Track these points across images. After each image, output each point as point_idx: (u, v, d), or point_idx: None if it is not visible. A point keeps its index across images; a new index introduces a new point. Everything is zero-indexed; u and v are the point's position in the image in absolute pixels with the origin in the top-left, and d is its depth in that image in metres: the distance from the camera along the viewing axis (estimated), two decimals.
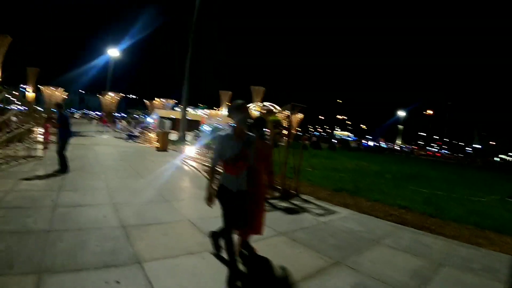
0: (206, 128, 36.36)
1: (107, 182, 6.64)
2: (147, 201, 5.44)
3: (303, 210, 6.00)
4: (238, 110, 2.80)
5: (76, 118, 54.19)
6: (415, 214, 6.74)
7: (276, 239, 4.18)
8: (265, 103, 56.97)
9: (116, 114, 53.36)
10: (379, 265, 3.66)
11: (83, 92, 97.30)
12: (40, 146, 10.19)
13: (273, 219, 5.04)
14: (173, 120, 28.84)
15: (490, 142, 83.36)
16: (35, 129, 11.74)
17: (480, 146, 79.81)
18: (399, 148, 69.57)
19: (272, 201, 6.37)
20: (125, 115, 52.78)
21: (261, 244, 3.74)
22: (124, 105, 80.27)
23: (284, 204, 6.23)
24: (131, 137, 19.50)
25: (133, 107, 57.63)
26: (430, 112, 78.35)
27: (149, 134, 19.38)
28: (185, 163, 11.47)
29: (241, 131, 2.85)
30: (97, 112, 51.91)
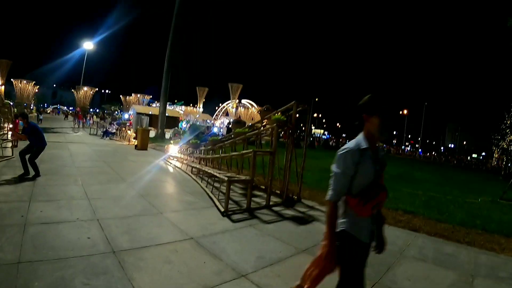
0: (184, 125, 35.33)
1: (86, 189, 5.77)
2: (137, 213, 4.67)
3: (312, 218, 5.46)
4: (380, 108, 1.80)
5: (47, 113, 51.18)
6: (422, 219, 6.41)
7: (301, 258, 3.55)
8: (242, 100, 56.67)
9: (90, 109, 50.88)
10: (419, 284, 3.30)
11: (55, 86, 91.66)
12: (9, 144, 9.06)
13: (286, 232, 4.48)
14: (150, 116, 27.59)
15: (464, 143, 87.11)
16: (4, 125, 10.49)
17: (452, 145, 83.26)
18: None
19: (275, 208, 5.81)
20: (98, 110, 50.37)
21: (287, 266, 3.17)
22: (98, 100, 76.88)
23: (289, 212, 5.66)
24: (107, 134, 18.24)
25: (108, 103, 55.12)
26: (405, 111, 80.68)
27: (127, 131, 18.22)
28: (169, 163, 10.65)
29: (375, 143, 1.86)
30: (71, 108, 49.14)
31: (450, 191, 10.98)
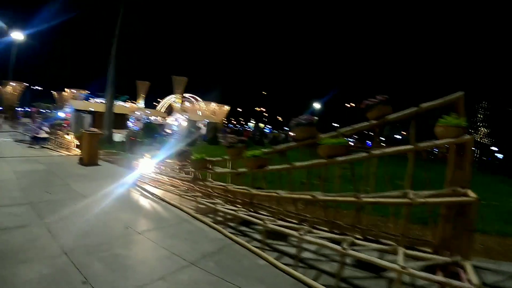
0: (131, 124, 29.96)
1: None
2: None
3: None
4: None
5: None
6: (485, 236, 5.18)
7: None
8: (186, 95, 52.16)
9: (19, 108, 42.22)
10: None
11: None
12: None
13: None
14: (93, 114, 22.44)
15: (403, 132, 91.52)
16: None
17: (400, 137, 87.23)
18: None
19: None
20: (29, 110, 42.02)
21: None
22: (28, 98, 66.34)
23: None
24: (37, 140, 13.31)
25: (39, 100, 46.61)
26: (352, 104, 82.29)
27: (64, 135, 13.47)
28: (144, 192, 6.87)
29: None
30: None
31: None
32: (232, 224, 5.23)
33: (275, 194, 4.82)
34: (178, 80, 50.00)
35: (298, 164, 4.79)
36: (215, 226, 4.97)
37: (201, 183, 6.17)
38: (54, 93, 49.70)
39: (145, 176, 7.53)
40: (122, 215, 5.22)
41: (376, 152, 4.19)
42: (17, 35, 35.93)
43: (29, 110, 43.62)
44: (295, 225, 4.44)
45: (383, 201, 3.73)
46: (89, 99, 40.63)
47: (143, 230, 4.62)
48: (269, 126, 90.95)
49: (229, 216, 5.26)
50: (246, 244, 4.32)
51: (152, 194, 6.66)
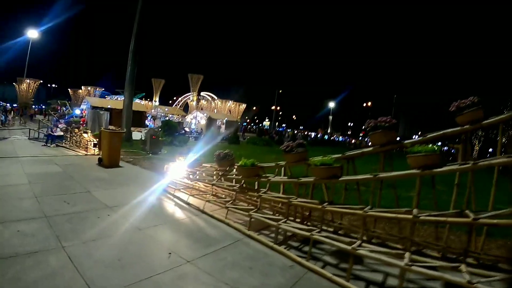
0: (147, 122, 29.08)
1: None
2: None
3: None
4: None
5: None
6: None
7: None
8: (202, 93, 51.20)
9: (34, 106, 42.12)
10: None
11: None
12: None
13: None
14: (110, 111, 21.62)
15: (419, 132, 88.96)
16: None
17: (416, 136, 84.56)
18: (339, 139, 68.14)
19: None
20: (44, 107, 41.75)
21: None
22: (44, 96, 66.92)
23: None
24: (51, 137, 12.44)
25: (55, 98, 46.36)
26: (369, 104, 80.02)
27: (82, 134, 12.54)
28: (179, 201, 5.76)
29: None
30: (14, 104, 39.92)
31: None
32: (294, 244, 4.13)
33: (361, 212, 3.66)
34: (194, 78, 49.09)
35: (383, 175, 3.78)
36: (281, 249, 3.89)
37: (253, 193, 5.01)
38: (70, 90, 49.54)
39: (177, 181, 6.43)
40: (160, 234, 4.13)
41: (484, 163, 3.31)
42: (32, 33, 35.74)
43: (44, 107, 43.42)
44: (390, 250, 3.38)
45: None
46: (105, 96, 40.09)
47: (192, 257, 3.50)
48: (284, 125, 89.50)
49: (289, 234, 4.18)
50: (326, 273, 3.31)
51: (188, 204, 5.55)
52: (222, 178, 5.75)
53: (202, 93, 50.66)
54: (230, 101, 48.48)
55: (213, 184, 5.53)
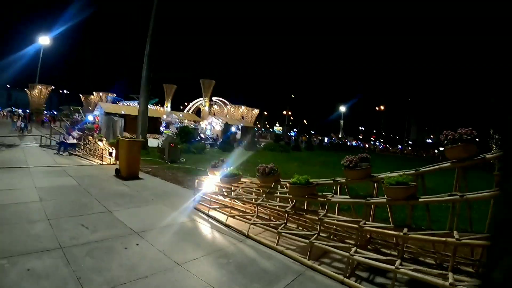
0: (162, 129, 28.13)
1: None
2: None
3: None
4: None
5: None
6: None
7: None
8: (213, 98, 50.59)
9: (46, 112, 42.14)
10: None
11: (10, 87, 76.02)
12: None
13: None
14: (124, 117, 20.93)
15: (431, 136, 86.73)
16: None
17: (430, 141, 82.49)
18: (354, 144, 66.72)
19: None
20: (56, 113, 41.70)
21: None
22: (56, 102, 67.50)
23: None
24: (64, 146, 11.74)
25: (66, 104, 46.37)
26: (382, 107, 78.27)
27: (96, 141, 11.80)
28: (217, 223, 4.84)
29: None
30: (26, 110, 40.04)
31: None
32: (363, 275, 3.24)
33: (453, 240, 2.79)
34: (206, 83, 48.55)
35: (471, 195, 3.07)
36: (355, 284, 3.01)
37: (312, 217, 4.08)
38: (82, 96, 49.49)
39: (208, 197, 5.53)
40: (206, 271, 3.23)
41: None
42: (44, 39, 35.71)
43: (56, 113, 43.33)
44: None
45: None
46: (117, 102, 39.71)
47: None
48: (295, 130, 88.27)
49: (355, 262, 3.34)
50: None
51: (228, 226, 4.65)
52: (269, 197, 4.85)
53: (214, 99, 50.10)
54: (243, 107, 47.69)
55: (258, 204, 4.60)
